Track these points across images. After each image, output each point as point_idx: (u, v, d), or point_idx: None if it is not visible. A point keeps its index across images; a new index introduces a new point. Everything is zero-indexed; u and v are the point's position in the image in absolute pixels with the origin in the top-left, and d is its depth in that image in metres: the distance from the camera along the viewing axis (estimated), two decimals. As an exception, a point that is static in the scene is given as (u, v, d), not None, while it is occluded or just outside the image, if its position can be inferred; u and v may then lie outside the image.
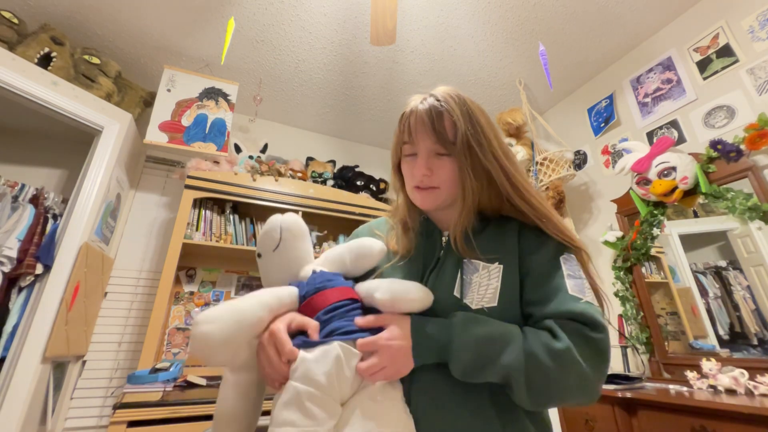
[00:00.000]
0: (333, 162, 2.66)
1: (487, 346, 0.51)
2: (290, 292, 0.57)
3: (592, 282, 0.60)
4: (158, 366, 1.64)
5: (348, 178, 2.60)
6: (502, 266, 0.58)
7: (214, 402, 1.41)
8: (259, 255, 0.64)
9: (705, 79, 1.76)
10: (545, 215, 0.60)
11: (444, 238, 0.67)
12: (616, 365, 1.87)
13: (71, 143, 2.18)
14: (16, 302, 1.55)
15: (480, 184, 0.60)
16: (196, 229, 2.00)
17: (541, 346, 0.50)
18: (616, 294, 1.90)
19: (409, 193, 0.67)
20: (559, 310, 0.52)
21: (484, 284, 0.57)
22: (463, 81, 2.33)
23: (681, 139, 1.80)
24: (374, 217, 1.45)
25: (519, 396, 0.50)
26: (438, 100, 0.60)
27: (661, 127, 1.91)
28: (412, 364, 0.52)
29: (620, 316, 1.89)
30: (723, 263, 1.63)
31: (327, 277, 0.59)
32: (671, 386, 1.47)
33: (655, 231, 1.80)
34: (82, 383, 1.79)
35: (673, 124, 1.85)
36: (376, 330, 0.54)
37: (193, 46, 2.09)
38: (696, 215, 1.72)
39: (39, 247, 1.59)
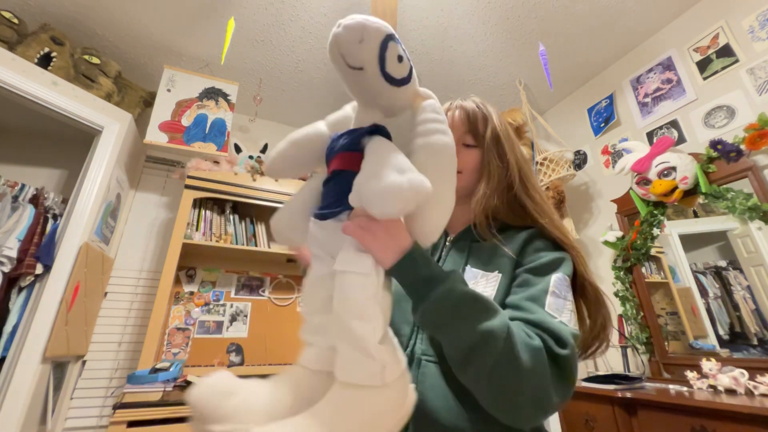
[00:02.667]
0: (333, 162, 2.66)
1: (473, 304, 0.47)
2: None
3: (591, 286, 0.60)
4: (158, 366, 1.64)
5: (348, 178, 2.60)
6: (501, 275, 0.58)
7: (214, 402, 1.42)
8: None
9: (705, 79, 1.76)
10: (546, 213, 0.63)
11: (448, 240, 0.69)
12: (616, 365, 1.87)
13: (71, 143, 2.18)
14: (16, 302, 1.55)
15: (503, 168, 0.65)
16: (196, 229, 2.00)
17: (521, 333, 0.47)
18: (616, 294, 1.90)
19: None
20: (529, 318, 0.50)
21: (479, 291, 0.56)
22: (463, 81, 2.33)
23: (681, 139, 1.80)
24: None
25: (475, 373, 0.45)
26: (476, 103, 0.71)
27: (661, 127, 1.91)
28: (393, 257, 0.46)
29: (620, 316, 1.89)
30: (723, 263, 1.63)
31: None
32: (671, 386, 1.47)
33: (655, 231, 1.80)
34: (82, 383, 1.79)
35: (673, 124, 1.85)
36: None
37: (193, 46, 2.09)
38: (696, 215, 1.72)
39: (39, 247, 1.60)
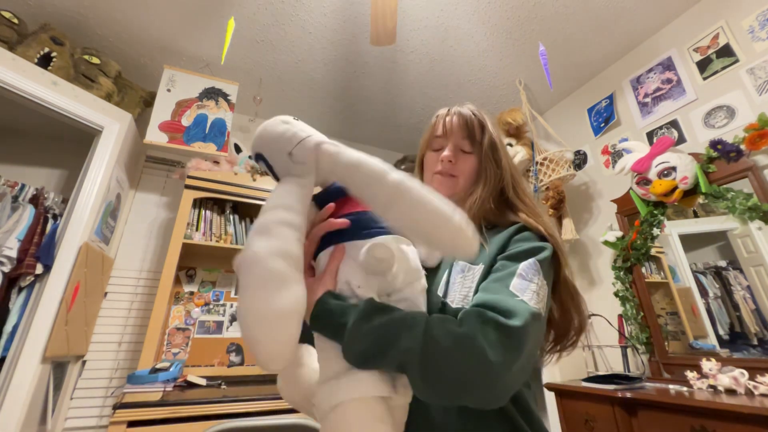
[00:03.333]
0: (333, 162, 2.66)
1: (387, 331, 0.45)
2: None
3: (566, 280, 0.61)
4: (158, 366, 1.64)
5: (348, 178, 2.59)
6: (482, 266, 0.58)
7: (214, 402, 1.42)
8: None
9: (705, 79, 1.76)
10: (537, 214, 0.65)
11: None
12: (616, 365, 1.87)
13: (71, 143, 2.18)
14: (16, 302, 1.55)
15: (498, 174, 0.68)
16: (196, 229, 2.00)
17: (443, 329, 0.45)
18: (616, 294, 1.90)
19: (427, 182, 0.73)
20: (482, 300, 0.49)
21: (467, 284, 0.57)
22: (463, 81, 2.33)
23: (681, 139, 1.80)
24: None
25: (414, 383, 0.44)
26: (472, 111, 0.72)
27: (661, 127, 1.91)
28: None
29: (620, 316, 1.89)
30: (723, 263, 1.63)
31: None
32: (671, 386, 1.47)
33: (655, 231, 1.80)
34: (82, 383, 1.79)
35: (673, 124, 1.85)
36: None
37: (193, 46, 2.09)
38: (696, 215, 1.72)
39: (39, 247, 1.60)
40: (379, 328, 0.45)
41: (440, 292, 0.59)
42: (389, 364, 0.45)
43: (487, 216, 0.65)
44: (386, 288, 0.52)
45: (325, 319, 0.48)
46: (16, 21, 1.68)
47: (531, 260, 0.54)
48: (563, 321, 0.62)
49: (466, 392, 0.43)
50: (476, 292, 0.55)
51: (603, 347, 1.94)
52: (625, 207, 1.95)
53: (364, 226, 0.52)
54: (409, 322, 0.46)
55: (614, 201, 2.01)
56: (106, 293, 1.94)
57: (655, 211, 1.78)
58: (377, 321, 0.46)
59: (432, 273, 0.64)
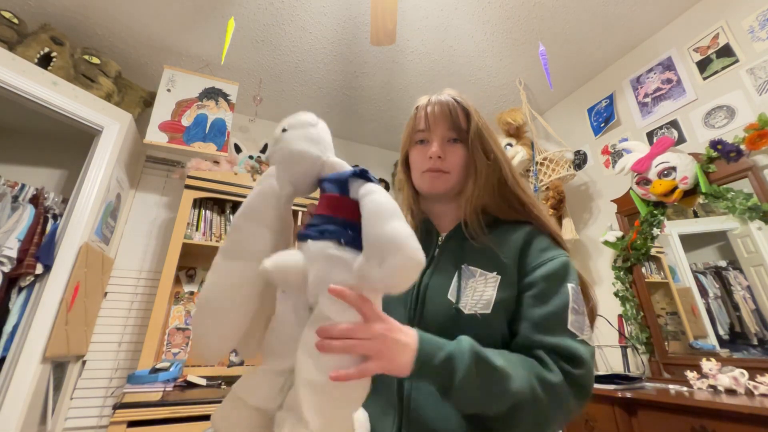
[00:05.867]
0: (333, 162, 2.66)
1: (493, 378, 0.46)
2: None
3: (585, 287, 0.61)
4: (158, 366, 1.64)
5: (348, 178, 2.59)
6: (500, 277, 0.57)
7: (214, 402, 1.42)
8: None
9: (705, 79, 1.75)
10: (538, 206, 0.64)
11: (440, 239, 0.68)
12: (616, 365, 1.87)
13: (71, 143, 2.18)
14: (16, 302, 1.55)
15: (489, 165, 0.63)
16: (196, 229, 2.00)
17: (535, 377, 0.49)
18: (616, 294, 1.90)
19: (417, 180, 0.68)
20: (551, 343, 0.51)
21: (479, 290, 0.56)
22: (463, 81, 2.33)
23: (681, 139, 1.80)
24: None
25: (518, 427, 0.49)
26: (453, 97, 0.67)
27: (661, 127, 1.91)
28: (410, 364, 0.44)
29: (620, 316, 1.89)
30: (723, 263, 1.63)
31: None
32: (671, 386, 1.47)
33: (655, 231, 1.80)
34: (82, 383, 1.79)
35: (673, 124, 1.85)
36: None
37: (193, 46, 2.09)
38: (696, 215, 1.71)
39: (39, 247, 1.60)
40: (484, 374, 0.46)
41: (452, 297, 0.58)
42: (496, 409, 0.48)
43: (488, 209, 0.64)
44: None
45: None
46: (16, 21, 1.68)
47: (574, 285, 0.56)
48: None
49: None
50: (497, 303, 0.55)
51: (603, 347, 1.94)
52: (625, 207, 1.95)
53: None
54: (509, 368, 0.48)
55: (614, 201, 2.00)
56: (106, 293, 1.94)
57: (655, 211, 1.78)
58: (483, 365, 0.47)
59: (431, 276, 0.62)
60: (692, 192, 1.63)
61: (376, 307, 0.43)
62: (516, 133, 2.36)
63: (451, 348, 0.46)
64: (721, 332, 1.58)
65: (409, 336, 0.45)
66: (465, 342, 0.47)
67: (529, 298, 0.55)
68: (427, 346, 0.45)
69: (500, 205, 0.64)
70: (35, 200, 1.78)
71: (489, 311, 0.55)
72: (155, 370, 1.60)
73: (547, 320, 0.53)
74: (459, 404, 0.47)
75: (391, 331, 0.43)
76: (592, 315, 0.62)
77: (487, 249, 0.60)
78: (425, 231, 0.70)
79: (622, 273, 1.90)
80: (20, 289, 1.57)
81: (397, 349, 0.43)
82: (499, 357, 0.48)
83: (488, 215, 0.64)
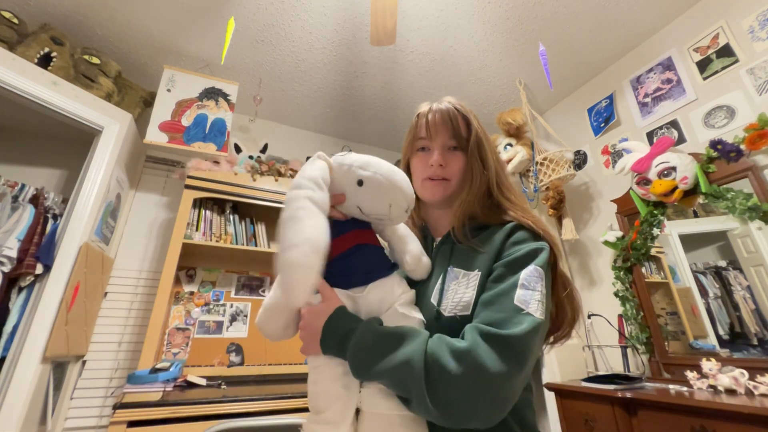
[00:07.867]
0: (333, 162, 2.66)
1: (387, 342, 0.51)
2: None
3: (562, 277, 0.62)
4: (158, 366, 1.64)
5: (348, 178, 2.59)
6: (480, 273, 0.58)
7: (214, 402, 1.42)
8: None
9: (705, 79, 1.76)
10: (524, 209, 0.65)
11: (435, 243, 0.70)
12: (616, 365, 1.87)
13: (71, 143, 2.18)
14: (16, 302, 1.55)
15: (485, 174, 0.66)
16: (196, 229, 2.00)
17: (445, 344, 0.48)
18: (616, 294, 1.90)
19: (418, 188, 0.69)
20: (487, 318, 0.51)
21: (460, 292, 0.57)
22: (463, 81, 2.33)
23: (681, 139, 1.80)
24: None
25: (420, 405, 0.47)
26: (453, 104, 0.70)
27: (661, 127, 1.91)
28: (318, 347, 0.55)
29: (620, 316, 1.89)
30: (723, 263, 1.63)
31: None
32: (671, 386, 1.47)
33: (655, 231, 1.80)
34: (82, 383, 1.79)
35: (673, 124, 1.85)
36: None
37: (193, 46, 2.09)
38: (696, 215, 1.72)
39: (39, 247, 1.59)
40: (378, 337, 0.52)
41: (434, 300, 0.60)
42: (388, 378, 0.49)
43: (475, 216, 0.65)
44: None
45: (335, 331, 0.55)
46: (16, 21, 1.68)
47: (531, 267, 0.54)
48: (558, 315, 0.63)
49: (479, 412, 0.46)
50: (476, 300, 0.55)
51: (603, 347, 1.94)
52: (625, 207, 1.95)
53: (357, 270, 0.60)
54: (409, 335, 0.52)
55: (614, 201, 2.01)
56: (106, 293, 1.94)
57: (655, 211, 1.78)
58: (378, 329, 0.53)
59: (425, 281, 0.65)
60: (692, 192, 1.63)
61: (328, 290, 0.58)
62: (516, 133, 2.36)
63: (347, 327, 0.54)
64: (721, 332, 1.58)
65: (322, 318, 0.55)
66: (370, 320, 0.55)
67: (490, 282, 0.56)
68: (330, 327, 0.54)
69: (487, 211, 0.66)
70: (35, 200, 1.78)
71: (468, 312, 0.55)
72: (155, 370, 1.60)
73: (493, 297, 0.53)
74: (358, 374, 0.52)
75: (313, 314, 0.57)
76: (573, 304, 0.63)
77: (472, 250, 0.62)
78: (422, 237, 0.72)
79: (622, 273, 1.90)
80: (20, 289, 1.57)
81: (309, 334, 0.56)
82: (398, 329, 0.53)
83: (475, 220, 0.65)
